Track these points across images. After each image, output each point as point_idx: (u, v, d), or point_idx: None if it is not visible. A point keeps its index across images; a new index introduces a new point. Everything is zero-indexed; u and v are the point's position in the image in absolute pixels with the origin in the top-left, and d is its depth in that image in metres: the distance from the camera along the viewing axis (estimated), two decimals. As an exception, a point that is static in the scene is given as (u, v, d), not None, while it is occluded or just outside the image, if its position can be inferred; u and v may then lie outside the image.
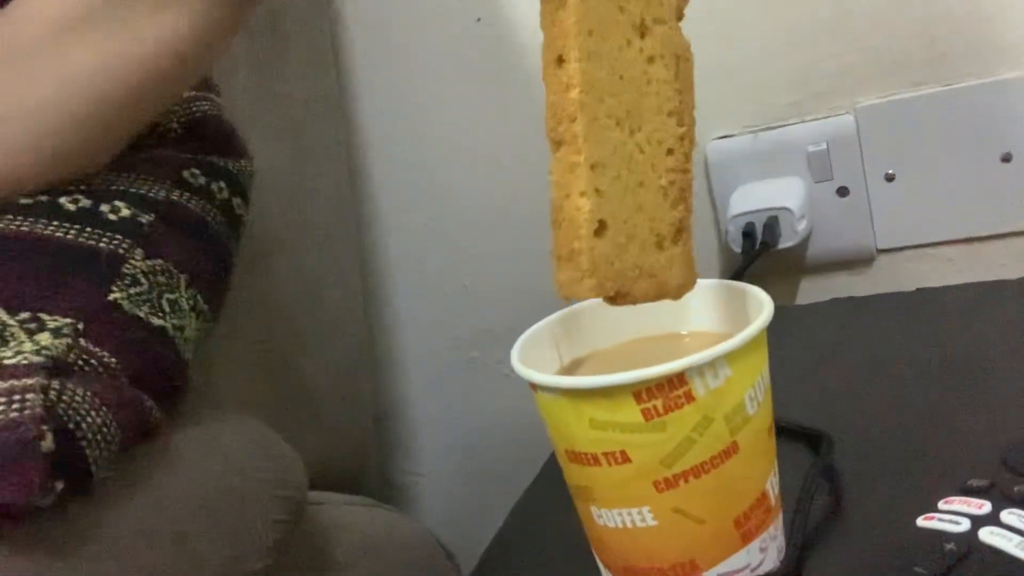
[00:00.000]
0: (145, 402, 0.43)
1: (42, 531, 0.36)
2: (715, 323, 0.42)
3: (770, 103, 0.77)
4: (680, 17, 0.36)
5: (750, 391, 0.36)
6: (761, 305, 0.38)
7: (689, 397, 0.35)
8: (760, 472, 0.37)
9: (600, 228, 0.35)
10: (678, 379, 0.34)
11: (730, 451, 0.36)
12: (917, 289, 0.66)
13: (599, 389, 0.35)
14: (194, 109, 0.55)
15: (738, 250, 0.76)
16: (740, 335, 0.35)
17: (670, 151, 0.37)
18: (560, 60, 0.34)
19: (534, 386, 0.38)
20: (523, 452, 0.60)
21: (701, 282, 0.42)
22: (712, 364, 0.35)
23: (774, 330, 0.38)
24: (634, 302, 0.37)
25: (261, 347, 0.73)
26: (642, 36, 0.35)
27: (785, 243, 0.75)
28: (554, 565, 0.44)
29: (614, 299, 0.36)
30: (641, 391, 0.34)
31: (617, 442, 0.35)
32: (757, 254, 0.74)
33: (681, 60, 0.36)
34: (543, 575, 0.44)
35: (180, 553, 0.41)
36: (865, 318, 0.64)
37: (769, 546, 0.38)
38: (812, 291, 0.79)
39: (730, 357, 0.35)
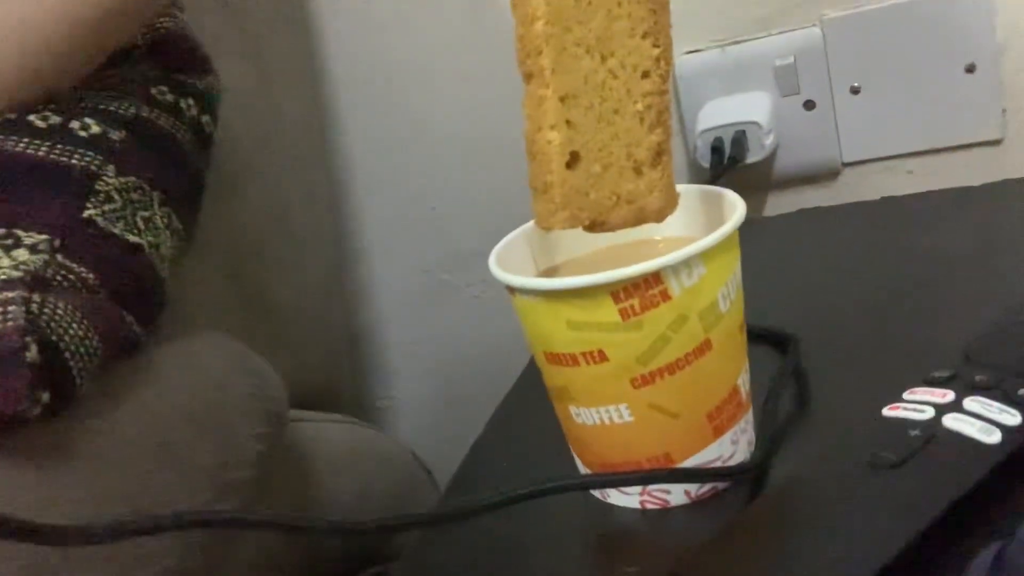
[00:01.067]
0: (125, 317, 0.43)
1: (29, 442, 0.37)
2: (688, 228, 0.43)
3: (737, 17, 0.77)
4: None
5: (723, 289, 0.37)
6: (734, 206, 0.39)
7: (665, 296, 0.35)
8: (732, 368, 0.39)
9: (573, 160, 0.36)
10: (654, 278, 0.35)
11: (704, 348, 0.37)
12: (882, 198, 0.67)
13: (577, 289, 0.36)
14: (158, 26, 0.54)
15: (706, 165, 0.77)
16: (714, 234, 0.36)
17: (645, 74, 0.37)
18: None
19: (512, 289, 0.38)
20: (496, 374, 0.61)
21: (681, 187, 0.43)
22: (687, 262, 0.35)
23: (742, 240, 0.39)
24: (613, 229, 0.38)
25: (231, 271, 0.73)
26: None
27: (753, 157, 0.76)
28: (532, 469, 0.45)
29: (591, 228, 0.37)
30: (618, 291, 0.35)
31: (594, 342, 0.36)
32: (725, 168, 0.75)
33: None
34: (522, 478, 0.45)
35: (166, 462, 0.41)
36: (831, 227, 0.66)
37: (740, 439, 0.40)
38: (779, 205, 0.80)
39: (704, 256, 0.36)
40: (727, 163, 0.75)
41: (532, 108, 0.35)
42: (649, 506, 0.39)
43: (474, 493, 0.43)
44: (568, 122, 0.35)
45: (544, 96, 0.34)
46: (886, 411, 0.38)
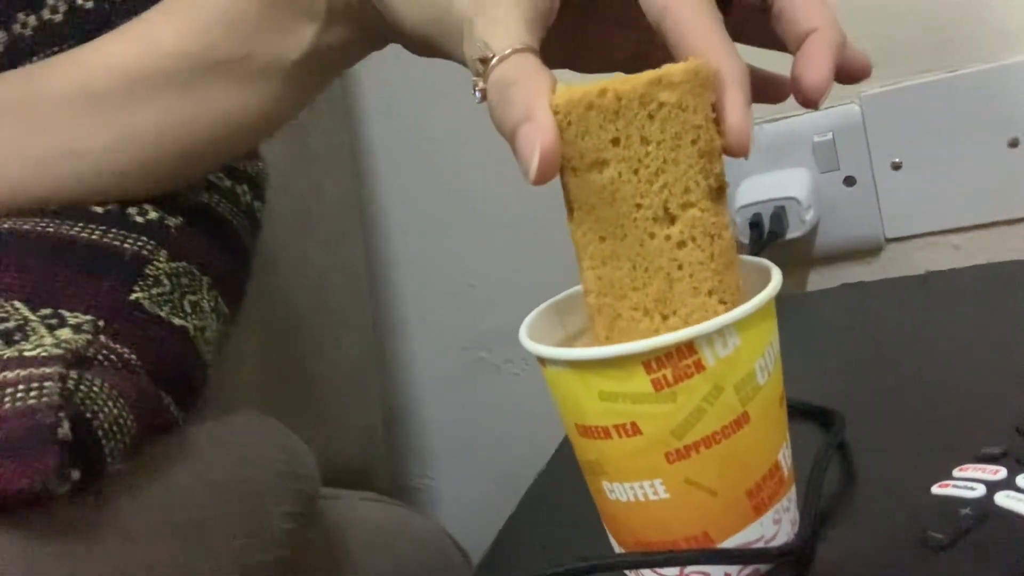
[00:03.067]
0: (163, 398, 0.43)
1: (57, 519, 0.36)
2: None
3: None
4: (717, 196, 0.36)
5: (760, 360, 0.36)
6: (769, 274, 0.38)
7: (699, 366, 0.35)
8: (772, 443, 0.37)
9: None
10: (687, 348, 0.34)
11: (741, 421, 0.36)
12: (927, 272, 0.66)
13: (608, 360, 0.35)
14: None
15: (746, 241, 0.76)
16: (749, 303, 0.35)
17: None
18: (580, 268, 0.36)
19: (542, 360, 0.38)
20: (533, 452, 0.60)
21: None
22: (721, 332, 0.35)
23: (783, 316, 0.38)
24: None
25: (268, 347, 0.74)
26: (671, 223, 0.35)
27: (793, 233, 0.75)
28: (566, 547, 0.44)
29: None
30: (651, 361, 0.34)
31: (627, 413, 0.35)
32: (765, 244, 0.74)
33: (716, 239, 0.36)
34: (554, 557, 0.44)
35: (195, 543, 0.41)
36: (874, 302, 0.64)
37: (783, 518, 0.38)
38: (821, 281, 0.79)
39: (739, 325, 0.35)
40: (767, 239, 0.74)
41: None
42: (689, 587, 0.38)
43: (505, 572, 0.42)
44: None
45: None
46: (936, 489, 0.36)
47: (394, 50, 0.84)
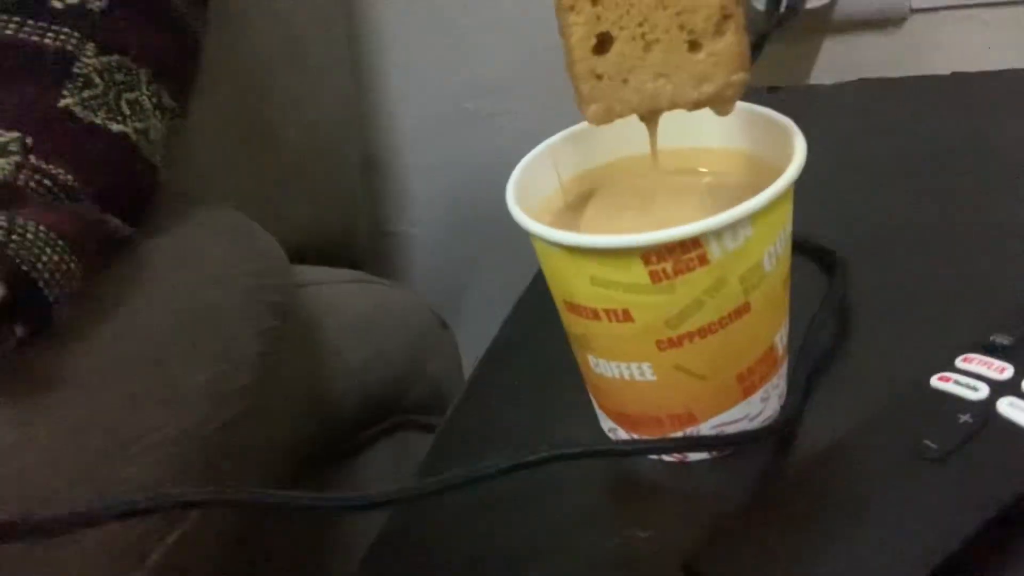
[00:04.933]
0: (107, 222, 0.39)
1: (7, 377, 0.34)
2: (735, 142, 0.38)
3: None
4: None
5: (770, 248, 0.33)
6: (792, 145, 0.33)
7: (703, 259, 0.31)
8: (770, 328, 0.35)
9: (602, 42, 0.31)
10: (692, 242, 0.31)
11: (741, 311, 0.33)
12: (952, 73, 0.60)
13: (605, 249, 0.31)
14: None
15: (761, 8, 0.69)
16: (767, 191, 0.31)
17: None
18: None
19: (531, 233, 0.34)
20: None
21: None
22: (732, 226, 0.31)
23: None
24: (661, 111, 0.33)
25: (241, 109, 0.68)
26: None
27: (813, 3, 0.68)
28: (546, 387, 0.43)
29: (636, 111, 0.32)
30: (651, 254, 0.31)
31: (619, 301, 0.33)
32: (784, 17, 0.67)
33: None
34: (537, 394, 0.43)
35: (155, 382, 0.39)
36: (894, 103, 0.59)
37: (771, 395, 0.36)
38: (837, 53, 0.73)
39: (754, 217, 0.31)
40: (785, 10, 0.67)
41: None
42: (667, 459, 0.37)
43: (485, 451, 0.41)
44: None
45: None
46: (935, 381, 0.34)
47: None
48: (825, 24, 0.72)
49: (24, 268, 0.34)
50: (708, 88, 0.32)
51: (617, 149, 0.38)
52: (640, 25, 0.30)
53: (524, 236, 0.34)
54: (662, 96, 0.32)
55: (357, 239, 0.86)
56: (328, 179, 0.79)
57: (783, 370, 0.37)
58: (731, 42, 0.31)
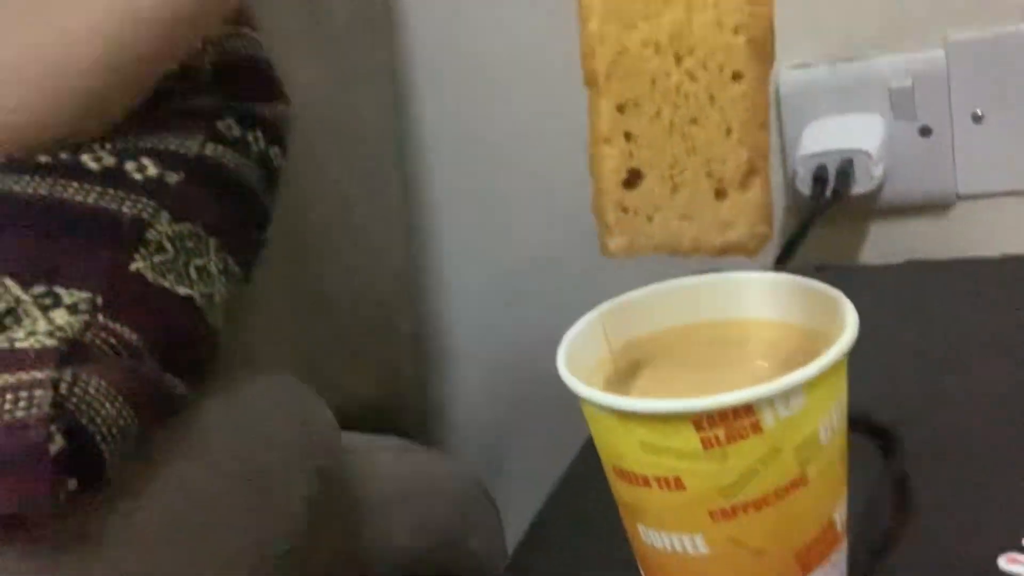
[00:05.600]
0: (167, 382, 0.40)
1: (57, 530, 0.34)
2: (784, 314, 0.38)
3: (851, 32, 0.71)
4: None
5: (825, 419, 0.32)
6: (843, 316, 0.34)
7: (756, 428, 0.31)
8: (828, 503, 0.34)
9: (632, 178, 0.31)
10: (745, 409, 0.31)
11: (798, 483, 0.32)
12: (1003, 256, 0.61)
13: (655, 414, 0.31)
14: (227, 48, 0.50)
15: (807, 193, 0.71)
16: (821, 360, 0.31)
17: (736, 76, 0.31)
18: None
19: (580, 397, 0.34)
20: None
21: (772, 275, 0.38)
22: (785, 394, 0.31)
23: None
24: (687, 254, 0.33)
25: (296, 278, 0.71)
26: None
27: (859, 189, 0.70)
28: (597, 549, 0.41)
29: (657, 251, 0.33)
30: (702, 419, 0.31)
31: (671, 468, 0.32)
32: (830, 201, 0.69)
33: None
34: (584, 563, 0.42)
35: (203, 541, 0.39)
36: (944, 286, 0.59)
37: (830, 574, 0.35)
38: (883, 238, 0.74)
39: (807, 385, 0.31)
40: (830, 198, 0.69)
41: (590, 119, 0.31)
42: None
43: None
44: (627, 134, 0.31)
45: (598, 105, 0.31)
46: (1004, 562, 0.33)
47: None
48: (872, 209, 0.73)
49: (82, 422, 0.34)
50: (731, 235, 0.32)
51: (668, 318, 0.39)
52: (671, 167, 0.31)
53: (572, 408, 0.34)
54: (685, 237, 0.32)
55: (405, 408, 0.86)
56: (379, 348, 0.80)
57: (843, 549, 0.36)
58: (757, 195, 0.32)
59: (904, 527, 0.39)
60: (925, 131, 0.71)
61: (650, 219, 0.32)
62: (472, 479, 0.72)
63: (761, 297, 0.37)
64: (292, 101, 0.54)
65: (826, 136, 0.71)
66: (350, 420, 0.65)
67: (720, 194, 0.32)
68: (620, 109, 0.31)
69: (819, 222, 0.70)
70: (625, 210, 0.32)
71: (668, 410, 0.31)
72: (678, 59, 0.31)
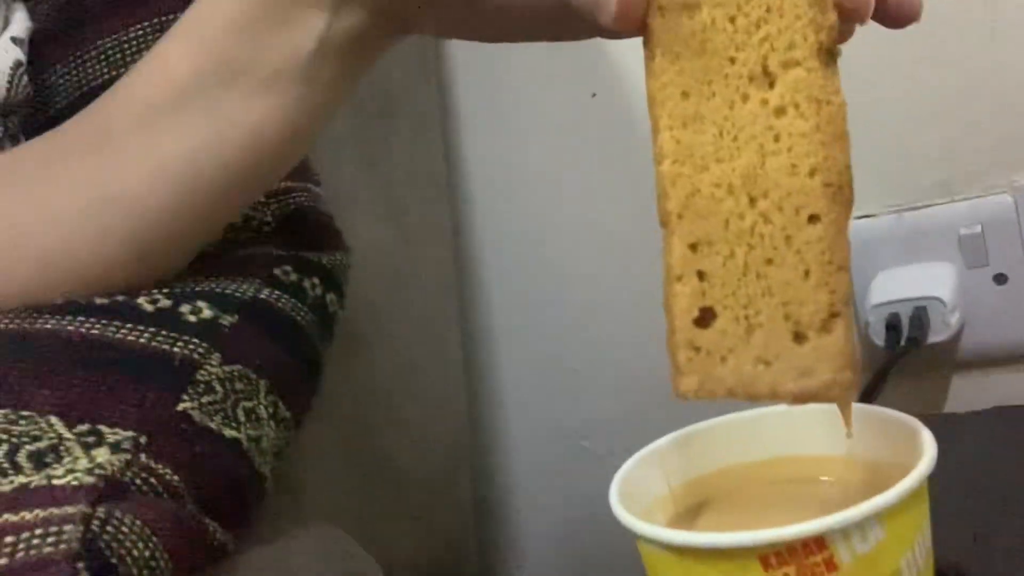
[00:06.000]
0: (206, 527, 0.39)
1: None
2: (858, 449, 0.35)
3: (916, 180, 0.70)
4: (828, 60, 0.30)
5: (907, 556, 0.29)
6: (920, 443, 0.31)
7: (831, 565, 0.28)
8: (919, 655, 0.30)
9: (704, 317, 0.30)
10: (816, 543, 0.28)
11: (882, 630, 0.29)
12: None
13: (717, 550, 0.29)
14: (290, 201, 0.52)
15: (881, 344, 0.68)
16: (897, 487, 0.29)
17: (813, 218, 0.30)
18: (655, 133, 0.30)
19: (636, 535, 0.32)
20: (631, 552, 0.54)
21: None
22: (861, 525, 0.28)
23: None
24: (759, 400, 0.31)
25: (353, 436, 0.69)
26: (770, 86, 0.30)
27: (935, 337, 0.67)
28: None
29: (731, 396, 0.31)
30: (770, 555, 0.28)
31: (739, 614, 0.29)
32: (904, 350, 0.66)
33: (824, 104, 0.30)
34: None
35: None
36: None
37: None
38: (967, 390, 0.70)
39: (884, 515, 0.28)
40: (906, 343, 0.66)
41: (664, 259, 0.31)
42: None
43: None
44: (700, 273, 0.30)
45: (671, 244, 0.30)
46: None
47: (504, 124, 0.81)
48: (950, 359, 0.70)
49: (113, 561, 0.33)
50: (810, 382, 0.30)
51: (729, 455, 0.37)
52: (745, 307, 0.30)
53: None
54: (761, 383, 0.30)
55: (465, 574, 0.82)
56: (438, 513, 0.78)
57: None
58: (838, 339, 0.30)
59: None
60: (1000, 279, 0.69)
61: (724, 360, 0.30)
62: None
63: (831, 431, 0.35)
64: (352, 251, 0.55)
65: (897, 285, 0.69)
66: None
67: (799, 338, 0.30)
68: (693, 248, 0.30)
69: (897, 374, 0.67)
70: (697, 350, 0.30)
71: (731, 544, 0.28)
72: (752, 201, 0.30)
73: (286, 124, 0.43)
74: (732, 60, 0.30)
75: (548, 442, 0.88)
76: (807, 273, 0.30)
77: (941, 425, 0.61)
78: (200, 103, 0.42)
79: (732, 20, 0.30)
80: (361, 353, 0.71)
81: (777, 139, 0.30)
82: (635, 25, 0.31)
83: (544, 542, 0.91)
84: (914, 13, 0.33)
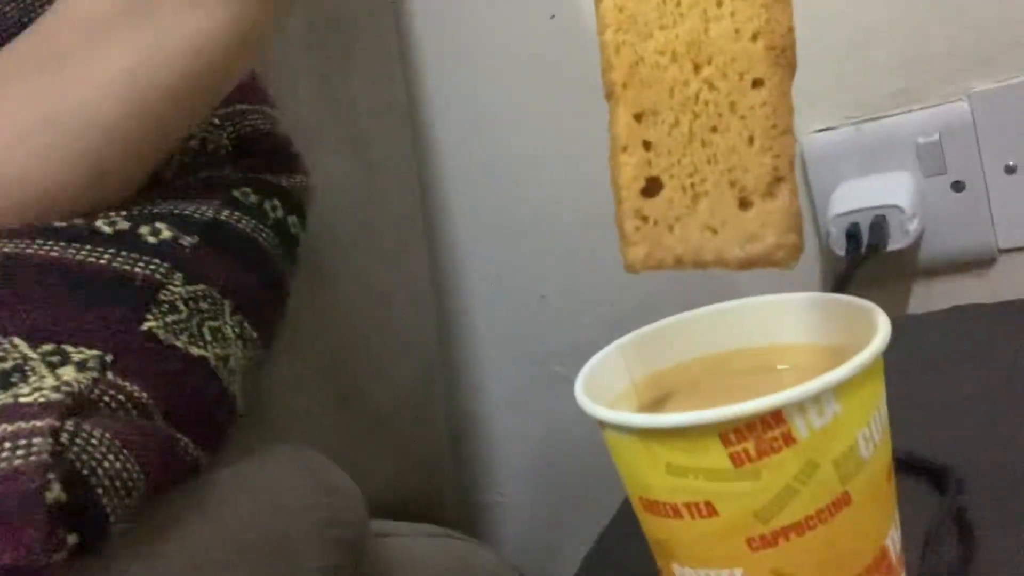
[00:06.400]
0: (178, 441, 0.39)
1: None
2: (816, 336, 0.36)
3: (873, 92, 0.70)
4: None
5: (864, 430, 0.30)
6: (875, 324, 0.32)
7: (789, 439, 0.29)
8: (878, 526, 0.31)
9: (651, 186, 0.30)
10: (774, 417, 0.29)
11: (840, 502, 0.30)
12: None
13: (678, 429, 0.29)
14: (246, 123, 0.51)
15: (842, 253, 0.69)
16: (851, 362, 0.29)
17: (757, 83, 0.30)
18: (597, 1, 0.30)
19: (601, 423, 0.32)
20: (608, 471, 0.55)
21: (798, 295, 0.36)
22: (816, 399, 0.29)
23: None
24: (711, 267, 0.31)
25: (326, 369, 0.70)
26: None
27: (895, 245, 0.68)
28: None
29: (679, 265, 0.31)
30: (729, 432, 0.29)
31: (701, 491, 0.30)
32: (864, 257, 0.67)
33: None
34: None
35: (214, 610, 0.37)
36: (990, 329, 0.57)
37: (889, 611, 0.32)
38: (927, 297, 0.72)
39: (838, 390, 0.29)
40: (866, 251, 0.67)
41: (610, 130, 0.31)
42: None
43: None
44: (646, 143, 0.30)
45: (616, 114, 0.30)
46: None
47: (463, 51, 0.80)
48: (911, 267, 0.71)
49: (84, 472, 0.33)
50: (755, 247, 0.30)
51: (690, 349, 0.37)
52: (690, 175, 0.30)
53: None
54: (707, 249, 0.31)
55: (442, 504, 0.83)
56: (413, 441, 0.78)
57: (900, 582, 0.33)
58: (783, 204, 0.30)
59: (967, 562, 0.36)
60: (958, 186, 0.69)
61: (671, 229, 0.31)
62: (510, 568, 0.69)
63: (791, 320, 0.35)
64: (312, 176, 0.55)
65: (856, 195, 0.70)
66: (385, 512, 0.62)
67: (745, 204, 0.31)
68: (638, 118, 0.30)
69: (857, 281, 0.68)
70: (645, 219, 0.31)
71: (692, 422, 0.29)
72: (696, 68, 0.30)
73: (226, 29, 0.43)
74: None
75: (521, 368, 0.88)
76: (751, 139, 0.30)
77: (901, 326, 0.63)
78: (140, 14, 0.42)
79: None
80: (328, 286, 0.71)
81: (720, 4, 0.30)
82: None
83: (521, 467, 0.92)
84: None
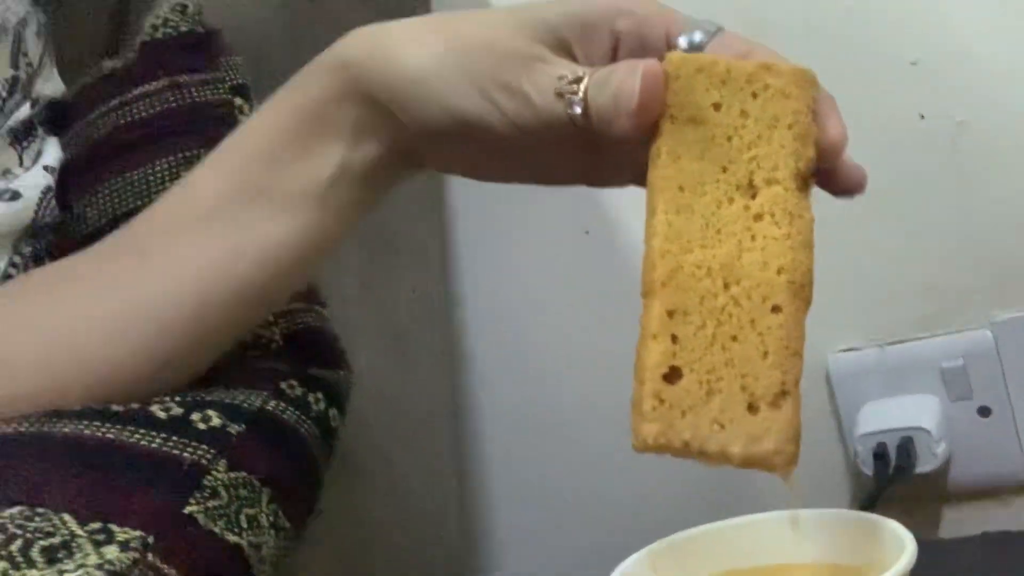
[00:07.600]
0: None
1: None
2: (840, 555, 0.36)
3: (898, 315, 0.72)
4: (802, 185, 0.35)
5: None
6: (901, 544, 0.32)
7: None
8: None
9: (672, 374, 0.33)
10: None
11: None
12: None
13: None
14: (298, 321, 0.54)
15: (869, 473, 0.69)
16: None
17: (776, 309, 0.34)
18: (650, 214, 0.35)
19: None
20: None
21: (823, 511, 0.37)
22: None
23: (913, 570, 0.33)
24: (708, 461, 0.34)
25: (347, 558, 0.69)
26: (752, 196, 0.35)
27: (923, 467, 0.68)
28: None
29: (685, 450, 0.33)
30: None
31: None
32: (893, 478, 0.67)
33: (796, 218, 0.35)
34: None
35: None
36: (1019, 559, 0.56)
37: None
38: (956, 522, 0.71)
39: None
40: (894, 472, 0.68)
41: (642, 321, 0.34)
42: None
43: None
44: (674, 337, 0.33)
45: (651, 307, 0.34)
46: None
47: (501, 257, 0.84)
48: (938, 490, 0.71)
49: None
50: (757, 449, 0.33)
51: (721, 561, 0.38)
52: (708, 372, 0.33)
53: None
54: (713, 442, 0.33)
55: None
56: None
57: None
58: (786, 416, 0.33)
59: None
60: (984, 411, 0.70)
61: (684, 415, 0.33)
62: None
63: (814, 536, 0.36)
64: (353, 370, 0.57)
65: (883, 416, 0.71)
66: None
67: (753, 408, 0.33)
68: (670, 314, 0.33)
69: (885, 503, 0.67)
70: (662, 401, 0.33)
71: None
72: (726, 285, 0.34)
73: (299, 244, 0.45)
74: (724, 169, 0.35)
75: (543, 566, 0.87)
76: (766, 354, 0.34)
77: (929, 552, 0.62)
78: (222, 221, 0.45)
79: (729, 139, 0.35)
80: (357, 476, 0.72)
81: (753, 239, 0.34)
82: (649, 128, 0.36)
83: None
84: (859, 184, 0.38)
